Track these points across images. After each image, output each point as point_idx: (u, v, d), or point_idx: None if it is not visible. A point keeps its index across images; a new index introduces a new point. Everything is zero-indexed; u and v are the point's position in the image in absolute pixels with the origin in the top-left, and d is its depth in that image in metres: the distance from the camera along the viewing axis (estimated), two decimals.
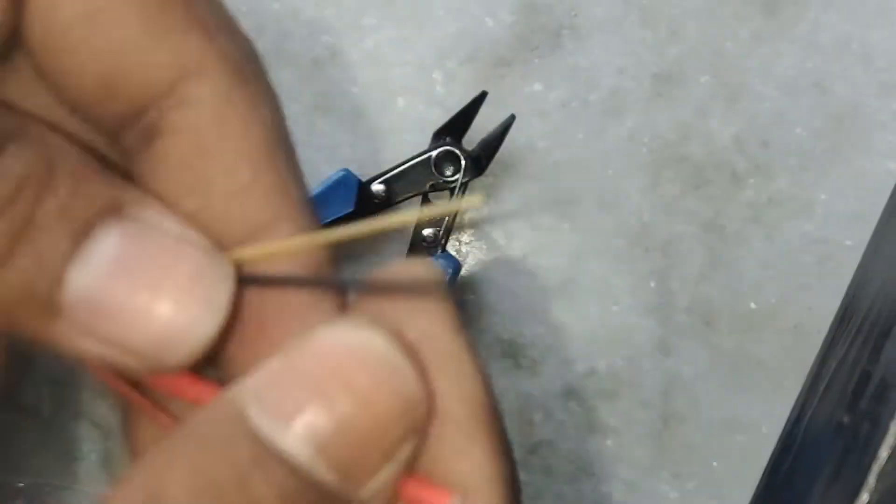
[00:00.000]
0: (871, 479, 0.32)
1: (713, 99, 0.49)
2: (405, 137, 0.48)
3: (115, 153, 0.19)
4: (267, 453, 0.14)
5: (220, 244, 0.17)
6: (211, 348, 0.16)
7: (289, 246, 0.17)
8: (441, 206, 0.18)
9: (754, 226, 0.48)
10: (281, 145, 0.18)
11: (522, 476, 0.49)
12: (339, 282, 0.17)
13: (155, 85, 0.17)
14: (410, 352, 0.16)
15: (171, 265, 0.16)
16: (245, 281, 0.17)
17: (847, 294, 0.48)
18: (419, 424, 0.15)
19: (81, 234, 0.15)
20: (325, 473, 0.14)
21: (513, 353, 0.48)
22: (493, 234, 0.49)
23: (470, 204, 0.17)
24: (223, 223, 0.17)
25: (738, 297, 0.48)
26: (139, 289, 0.15)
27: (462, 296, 0.49)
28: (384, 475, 0.15)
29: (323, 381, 0.14)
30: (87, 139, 0.18)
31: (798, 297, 0.48)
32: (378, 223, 0.16)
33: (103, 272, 0.15)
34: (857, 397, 0.38)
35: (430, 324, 0.17)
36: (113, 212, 0.16)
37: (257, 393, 0.14)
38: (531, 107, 0.48)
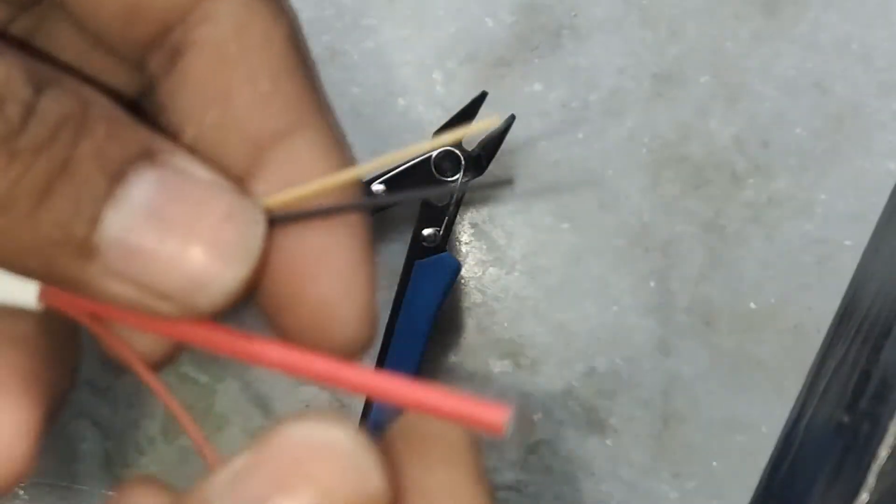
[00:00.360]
0: (871, 479, 0.32)
1: (713, 99, 0.49)
2: (405, 137, 0.48)
3: (143, 97, 0.19)
4: None
5: (245, 151, 0.17)
6: (242, 292, 0.17)
7: (318, 187, 0.17)
8: (459, 130, 0.17)
9: (754, 226, 0.48)
10: (301, 56, 0.19)
11: (522, 476, 0.49)
12: (368, 204, 0.18)
13: (178, 4, 0.17)
14: (376, 448, 0.16)
15: (203, 209, 0.16)
16: (276, 221, 0.17)
17: (847, 294, 0.48)
18: None
19: (117, 177, 0.15)
20: None
21: (513, 352, 0.48)
22: (493, 234, 0.49)
23: (487, 125, 0.17)
24: (245, 131, 0.17)
25: (738, 297, 0.48)
26: (173, 232, 0.16)
27: (463, 297, 0.49)
28: None
29: (287, 475, 0.14)
30: (117, 89, 0.19)
31: (798, 296, 0.48)
32: (400, 153, 0.17)
33: (138, 215, 0.16)
34: (857, 397, 0.38)
35: (449, 477, 0.18)
36: (146, 156, 0.16)
37: (223, 487, 0.15)
38: (531, 107, 0.48)
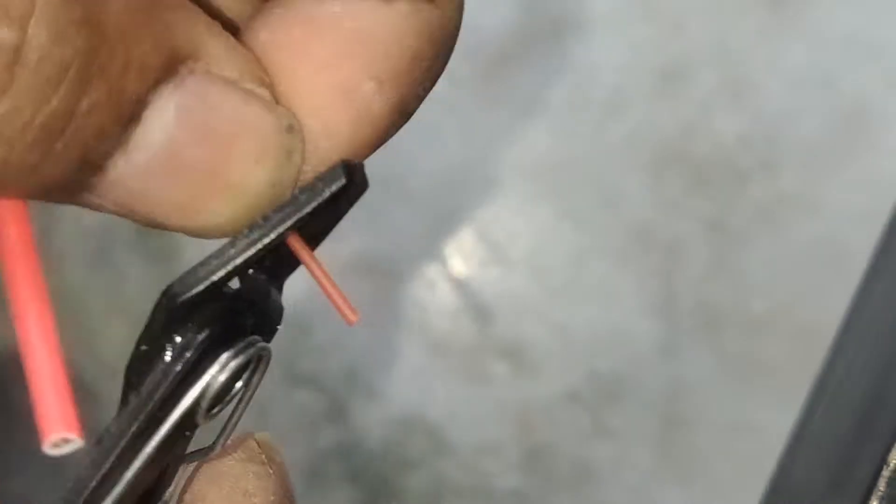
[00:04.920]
0: (882, 485, 0.32)
1: (717, 95, 0.48)
2: (404, 136, 0.48)
3: None
4: None
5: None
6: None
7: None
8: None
9: (760, 225, 0.48)
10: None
11: (523, 480, 0.48)
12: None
13: None
14: None
15: (230, 150, 0.14)
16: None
17: (856, 295, 0.47)
18: None
19: (132, 119, 0.13)
20: None
21: (513, 354, 0.48)
22: (493, 233, 0.48)
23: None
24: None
25: (744, 299, 0.48)
26: (189, 180, 0.14)
27: (463, 297, 0.48)
28: None
29: None
30: None
31: (805, 297, 0.48)
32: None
33: (152, 162, 0.13)
34: (867, 400, 0.37)
35: None
36: (170, 71, 0.13)
37: None
38: (532, 104, 0.48)
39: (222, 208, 0.14)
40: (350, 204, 0.14)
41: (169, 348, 0.13)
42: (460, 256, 0.48)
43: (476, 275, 0.48)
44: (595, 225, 0.48)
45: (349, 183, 0.13)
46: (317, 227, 0.14)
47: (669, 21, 0.48)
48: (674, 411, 0.48)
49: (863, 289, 0.47)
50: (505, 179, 0.48)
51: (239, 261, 0.14)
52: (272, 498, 0.17)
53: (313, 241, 0.15)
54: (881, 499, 0.30)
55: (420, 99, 0.15)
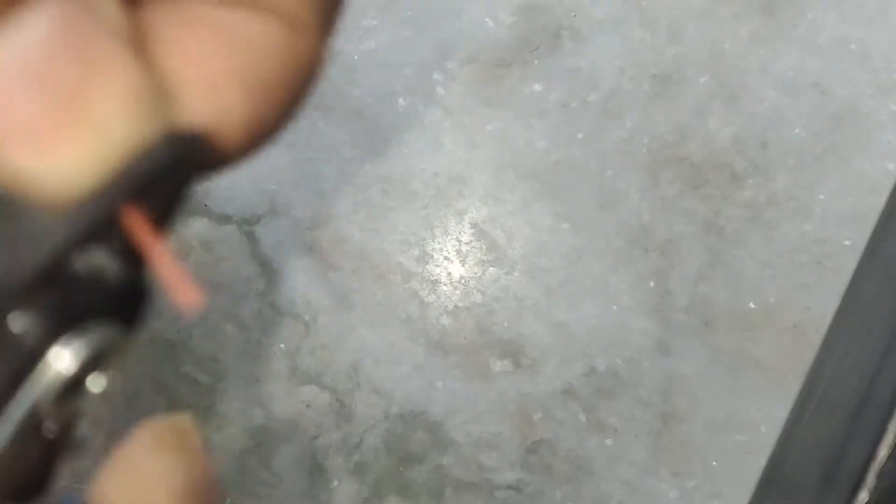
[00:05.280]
0: (871, 478, 0.32)
1: (712, 99, 0.49)
2: (405, 137, 0.48)
3: None
4: None
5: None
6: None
7: None
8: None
9: (753, 226, 0.48)
10: None
11: (522, 475, 0.49)
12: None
13: None
14: None
15: (96, 79, 0.12)
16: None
17: (846, 294, 0.48)
18: None
19: (12, 3, 0.12)
20: None
21: (513, 352, 0.48)
22: (493, 234, 0.48)
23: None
24: None
25: (737, 297, 0.48)
26: (47, 98, 0.12)
27: (463, 297, 0.48)
28: None
29: None
30: None
31: (797, 296, 0.48)
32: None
33: (17, 62, 0.12)
34: (856, 396, 0.38)
35: None
36: None
37: None
38: (531, 107, 0.48)
39: (76, 144, 0.12)
40: (190, 183, 0.13)
41: None
42: (460, 256, 0.48)
43: (476, 274, 0.49)
44: (592, 225, 0.48)
45: (180, 159, 0.12)
46: (158, 206, 0.13)
47: (665, 26, 0.49)
48: (668, 407, 0.48)
49: (852, 288, 0.48)
50: (504, 180, 0.49)
51: (68, 239, 0.12)
52: (182, 484, 0.16)
53: (159, 222, 0.13)
54: (871, 492, 0.31)
55: (282, 123, 0.14)
